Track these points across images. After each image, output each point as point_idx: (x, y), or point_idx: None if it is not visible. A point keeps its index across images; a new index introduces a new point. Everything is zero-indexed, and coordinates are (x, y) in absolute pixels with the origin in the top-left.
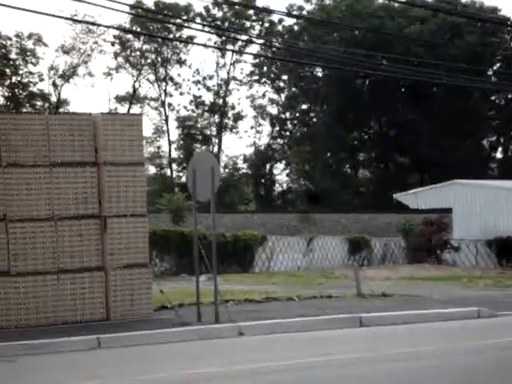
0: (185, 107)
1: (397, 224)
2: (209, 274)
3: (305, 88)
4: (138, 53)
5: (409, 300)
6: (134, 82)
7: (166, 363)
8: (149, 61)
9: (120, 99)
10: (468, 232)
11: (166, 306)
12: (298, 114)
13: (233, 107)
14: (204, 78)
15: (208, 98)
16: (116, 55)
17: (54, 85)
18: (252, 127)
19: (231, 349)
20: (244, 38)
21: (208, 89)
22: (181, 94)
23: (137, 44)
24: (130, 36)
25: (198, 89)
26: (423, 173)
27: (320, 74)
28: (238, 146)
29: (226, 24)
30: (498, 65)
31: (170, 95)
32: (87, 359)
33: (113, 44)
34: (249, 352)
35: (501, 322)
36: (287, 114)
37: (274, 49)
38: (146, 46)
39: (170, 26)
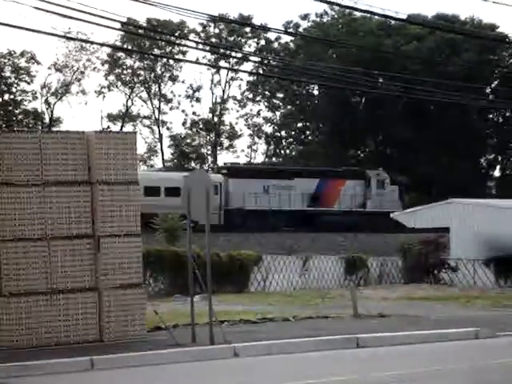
0: (182, 124)
1: (393, 243)
2: (203, 295)
3: (300, 106)
4: (130, 70)
5: (406, 320)
6: (127, 100)
7: None
8: (141, 78)
9: (113, 117)
10: (465, 251)
11: (160, 326)
12: (293, 133)
13: (231, 127)
14: (195, 91)
15: (202, 111)
16: (108, 73)
17: (47, 103)
18: (249, 146)
19: (226, 370)
20: (239, 55)
21: (197, 100)
22: (171, 108)
23: (129, 62)
24: (121, 54)
25: (192, 105)
26: (420, 191)
27: (316, 92)
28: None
29: (222, 41)
30: (495, 82)
31: (164, 113)
32: (80, 381)
33: (103, 63)
34: (243, 373)
35: (499, 343)
36: (283, 133)
37: (269, 66)
38: (138, 64)
39: (163, 42)
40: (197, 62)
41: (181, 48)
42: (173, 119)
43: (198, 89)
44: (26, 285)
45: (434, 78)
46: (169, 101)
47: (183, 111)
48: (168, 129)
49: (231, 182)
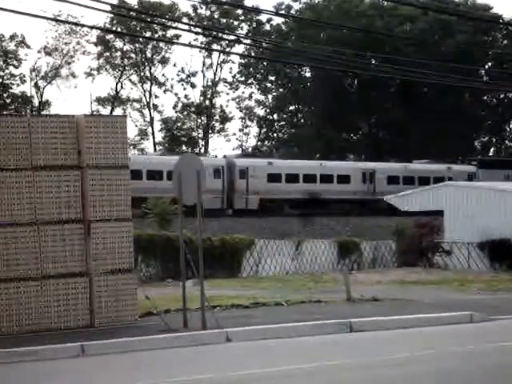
0: (173, 107)
1: (387, 226)
2: (195, 279)
3: (293, 89)
4: (120, 53)
5: (400, 304)
6: (117, 83)
7: (151, 370)
8: (132, 61)
9: (102, 101)
10: (460, 235)
11: (151, 312)
12: (285, 116)
13: (222, 110)
14: (188, 76)
15: (194, 95)
16: (99, 56)
17: (37, 86)
18: (240, 130)
19: (218, 355)
20: (231, 37)
21: (192, 85)
22: (165, 91)
23: (119, 44)
24: (111, 36)
25: (184, 88)
26: None
27: (308, 75)
28: (224, 148)
29: (214, 23)
30: (489, 64)
31: (156, 96)
32: (71, 367)
33: (96, 44)
34: (235, 358)
35: (494, 327)
36: (275, 116)
37: (261, 49)
38: (128, 46)
39: (155, 25)
40: (188, 45)
41: (173, 31)
42: (164, 102)
43: (193, 74)
44: (15, 270)
45: (427, 60)
46: (160, 84)
47: (176, 94)
48: (159, 112)
49: (480, 172)
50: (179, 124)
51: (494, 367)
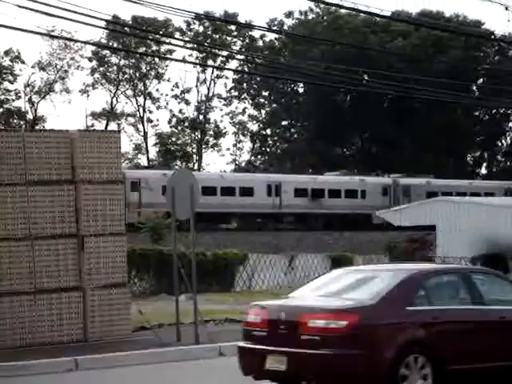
0: (168, 122)
1: (380, 241)
2: (189, 294)
3: (286, 104)
4: (115, 68)
5: None
6: (112, 98)
7: None
8: (126, 76)
9: (97, 115)
10: (452, 249)
11: (144, 326)
12: (278, 131)
13: (216, 125)
14: (182, 92)
15: (188, 111)
16: (93, 71)
17: (31, 101)
18: (234, 145)
19: (211, 370)
20: (225, 53)
21: (186, 102)
22: (158, 108)
23: (114, 59)
24: (106, 52)
25: (178, 102)
26: None
27: (301, 90)
28: (218, 163)
29: (207, 39)
30: (481, 80)
31: (150, 111)
32: (64, 381)
33: (90, 59)
34: (228, 373)
35: None
36: (268, 131)
37: (254, 65)
38: (123, 62)
39: (149, 40)
40: (182, 60)
41: (166, 46)
42: (158, 117)
43: (188, 91)
44: (9, 285)
45: (419, 75)
46: (154, 99)
47: (171, 111)
48: (153, 126)
49: None
50: (173, 139)
51: None
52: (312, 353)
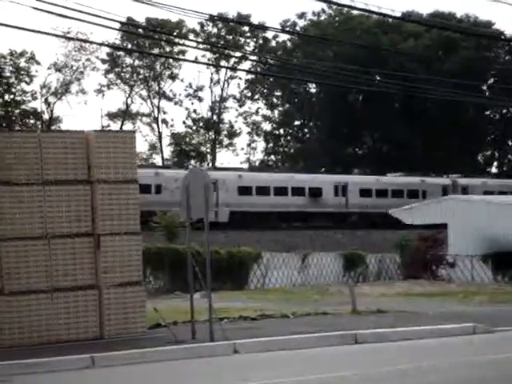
0: (183, 122)
1: (392, 240)
2: (203, 292)
3: (298, 104)
4: (130, 69)
5: (404, 316)
6: (127, 98)
7: (160, 382)
8: (141, 76)
9: (112, 116)
10: (463, 247)
11: (160, 323)
12: (291, 130)
13: (230, 125)
14: (196, 90)
15: (202, 110)
16: (107, 72)
17: (47, 102)
18: (249, 144)
19: (225, 367)
20: (238, 54)
21: (200, 99)
22: (175, 103)
23: (128, 60)
24: (121, 52)
25: (192, 103)
26: None
27: (313, 90)
28: (232, 162)
29: (220, 41)
30: (492, 79)
31: (164, 112)
32: (81, 378)
33: (103, 61)
34: (243, 370)
35: (496, 338)
36: (281, 131)
37: (267, 65)
38: (137, 62)
39: (163, 42)
40: (196, 61)
41: (180, 47)
42: (173, 117)
43: (200, 88)
44: (26, 283)
45: (430, 76)
46: (168, 99)
47: (186, 108)
48: (168, 126)
49: None
50: (188, 139)
51: (497, 378)
52: None
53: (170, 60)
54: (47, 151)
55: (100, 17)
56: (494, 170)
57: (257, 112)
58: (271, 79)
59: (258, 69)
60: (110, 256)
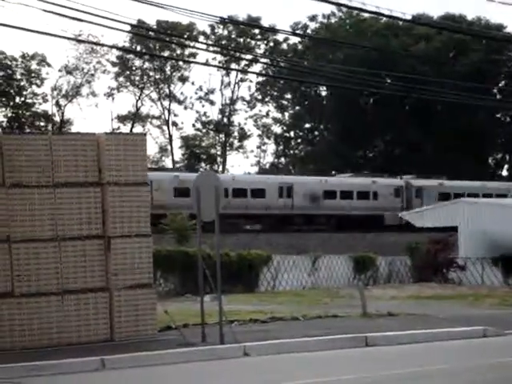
0: (193, 125)
1: (403, 242)
2: (213, 294)
3: (309, 107)
4: (140, 71)
5: (415, 319)
6: (137, 100)
7: None
8: (151, 79)
9: (122, 118)
10: (474, 250)
11: (170, 326)
12: (301, 133)
13: (240, 128)
14: (207, 93)
15: (212, 112)
16: (117, 75)
17: (58, 105)
18: (258, 147)
19: (236, 369)
20: (248, 56)
21: (211, 102)
22: (185, 108)
23: (138, 63)
24: (131, 55)
25: (203, 106)
26: None
27: (324, 93)
28: (242, 164)
29: (231, 43)
30: (502, 82)
31: (175, 114)
32: (91, 381)
33: (113, 64)
34: (253, 373)
35: (507, 341)
36: (291, 133)
37: (277, 68)
38: (147, 65)
39: (173, 44)
40: (206, 64)
41: (190, 50)
42: (183, 120)
43: (211, 91)
44: (37, 285)
45: (441, 78)
46: (179, 101)
47: (197, 111)
48: (179, 129)
49: None
50: (198, 141)
51: (507, 382)
52: None
53: (180, 62)
54: (58, 154)
55: (111, 19)
56: (504, 172)
57: (267, 114)
58: (282, 82)
59: (269, 71)
60: (121, 258)
